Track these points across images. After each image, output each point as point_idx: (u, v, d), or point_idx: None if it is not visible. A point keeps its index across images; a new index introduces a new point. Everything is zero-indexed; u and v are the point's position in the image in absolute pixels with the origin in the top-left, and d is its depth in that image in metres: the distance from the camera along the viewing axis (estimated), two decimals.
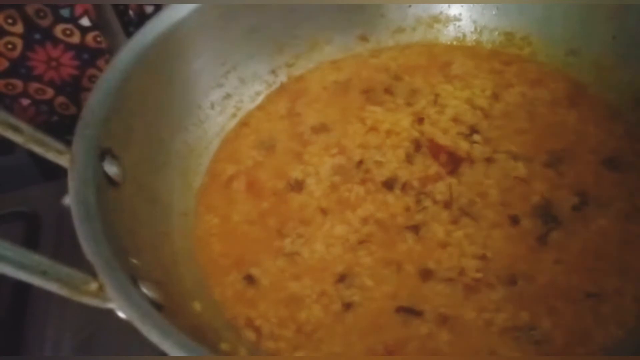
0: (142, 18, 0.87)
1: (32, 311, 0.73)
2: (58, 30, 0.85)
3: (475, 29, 0.82)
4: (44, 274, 0.47)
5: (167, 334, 0.46)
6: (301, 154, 0.73)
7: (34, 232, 0.81)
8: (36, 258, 0.47)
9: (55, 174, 0.71)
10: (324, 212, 0.68)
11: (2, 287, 0.74)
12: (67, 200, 0.56)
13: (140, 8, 0.88)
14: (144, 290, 0.52)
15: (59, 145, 0.59)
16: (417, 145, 0.72)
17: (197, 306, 0.61)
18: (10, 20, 0.83)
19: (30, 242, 0.79)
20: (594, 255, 0.61)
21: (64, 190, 0.56)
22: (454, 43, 0.83)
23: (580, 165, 0.68)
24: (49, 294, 0.49)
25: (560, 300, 0.59)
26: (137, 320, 0.47)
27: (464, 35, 0.82)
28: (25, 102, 0.91)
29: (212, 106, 0.77)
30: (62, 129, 0.75)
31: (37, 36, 0.85)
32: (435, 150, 0.71)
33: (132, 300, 0.49)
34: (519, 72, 0.78)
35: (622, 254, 0.61)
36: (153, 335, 0.46)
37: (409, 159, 0.71)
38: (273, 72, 0.81)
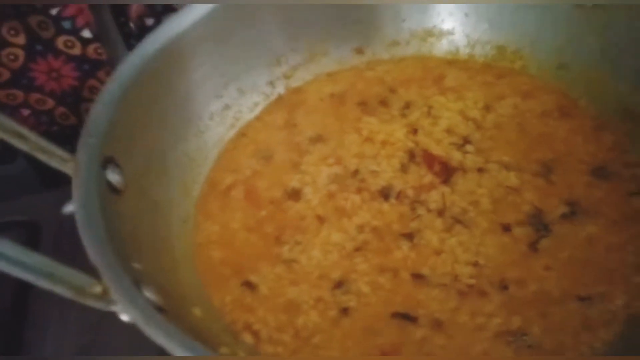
0: (143, 30, 0.89)
1: (32, 313, 0.74)
2: (60, 41, 0.87)
3: (468, 42, 0.84)
4: (50, 276, 0.48)
5: (172, 335, 0.47)
6: (298, 163, 0.75)
7: (33, 240, 0.82)
8: (43, 260, 0.48)
9: (55, 183, 0.72)
10: (320, 220, 0.69)
11: (3, 289, 0.75)
12: (67, 208, 0.57)
13: (140, 21, 0.90)
14: (146, 294, 0.53)
15: (63, 154, 0.60)
16: (411, 155, 0.74)
17: (197, 311, 0.62)
18: (12, 32, 0.84)
19: None
20: (583, 261, 0.62)
21: (63, 199, 0.57)
22: (448, 56, 0.84)
23: (570, 175, 0.69)
24: (49, 296, 0.50)
25: (550, 305, 0.60)
26: (142, 321, 0.48)
27: (457, 49, 0.84)
28: (26, 112, 0.92)
29: (212, 117, 0.78)
30: (62, 138, 0.76)
31: (39, 47, 0.87)
32: (429, 160, 0.72)
33: (136, 302, 0.50)
34: (511, 84, 0.79)
35: (611, 260, 0.62)
36: (158, 336, 0.47)
37: (403, 169, 0.72)
38: (271, 83, 0.82)
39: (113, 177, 0.62)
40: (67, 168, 0.60)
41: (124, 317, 0.50)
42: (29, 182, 0.91)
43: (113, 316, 0.51)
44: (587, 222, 0.65)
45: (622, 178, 0.69)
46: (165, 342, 0.47)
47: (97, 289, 0.50)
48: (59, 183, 0.61)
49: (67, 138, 0.64)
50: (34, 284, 0.48)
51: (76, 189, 0.57)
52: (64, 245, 0.75)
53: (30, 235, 0.83)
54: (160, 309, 0.53)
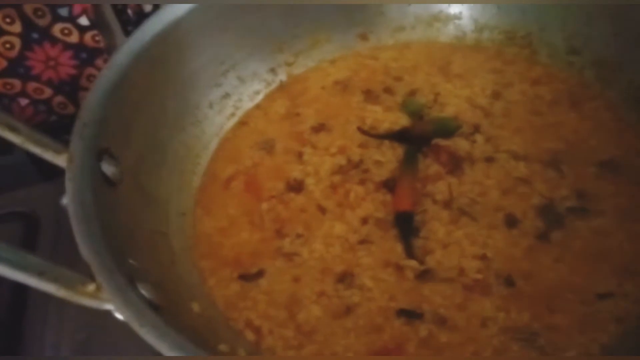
0: (141, 17, 0.87)
1: (31, 312, 0.73)
2: (56, 29, 0.85)
3: (476, 27, 0.82)
4: (41, 275, 0.47)
5: (164, 335, 0.46)
6: (301, 153, 0.73)
7: (32, 232, 0.81)
8: (34, 259, 0.47)
9: (54, 174, 0.71)
10: (323, 212, 0.68)
11: (2, 288, 0.74)
12: (66, 200, 0.55)
13: (138, 7, 0.88)
14: (142, 291, 0.52)
15: (57, 145, 0.59)
16: None
17: (195, 307, 0.60)
18: (8, 20, 0.83)
19: (29, 242, 0.79)
20: (594, 255, 0.61)
21: (62, 191, 0.56)
22: (454, 42, 0.82)
23: (580, 164, 0.67)
24: (48, 295, 0.49)
25: (560, 299, 0.58)
26: (133, 321, 0.47)
27: (465, 34, 0.82)
28: (24, 101, 0.90)
29: (211, 105, 0.77)
30: (60, 128, 0.75)
31: (35, 35, 0.85)
32: (436, 149, 0.70)
33: (129, 301, 0.48)
34: (520, 71, 0.77)
35: (622, 254, 0.60)
36: (150, 336, 0.46)
37: None
38: (272, 70, 0.81)
39: (108, 169, 0.61)
40: (60, 160, 0.59)
41: (119, 316, 0.49)
42: (27, 173, 0.90)
43: (112, 314, 0.50)
44: (598, 214, 0.63)
45: (635, 167, 0.66)
46: (157, 342, 0.45)
47: (90, 287, 0.49)
48: (58, 174, 0.60)
49: (66, 127, 0.63)
50: (24, 283, 0.46)
51: (69, 182, 0.56)
52: (63, 237, 0.74)
53: (29, 227, 0.82)
54: (156, 307, 0.51)
